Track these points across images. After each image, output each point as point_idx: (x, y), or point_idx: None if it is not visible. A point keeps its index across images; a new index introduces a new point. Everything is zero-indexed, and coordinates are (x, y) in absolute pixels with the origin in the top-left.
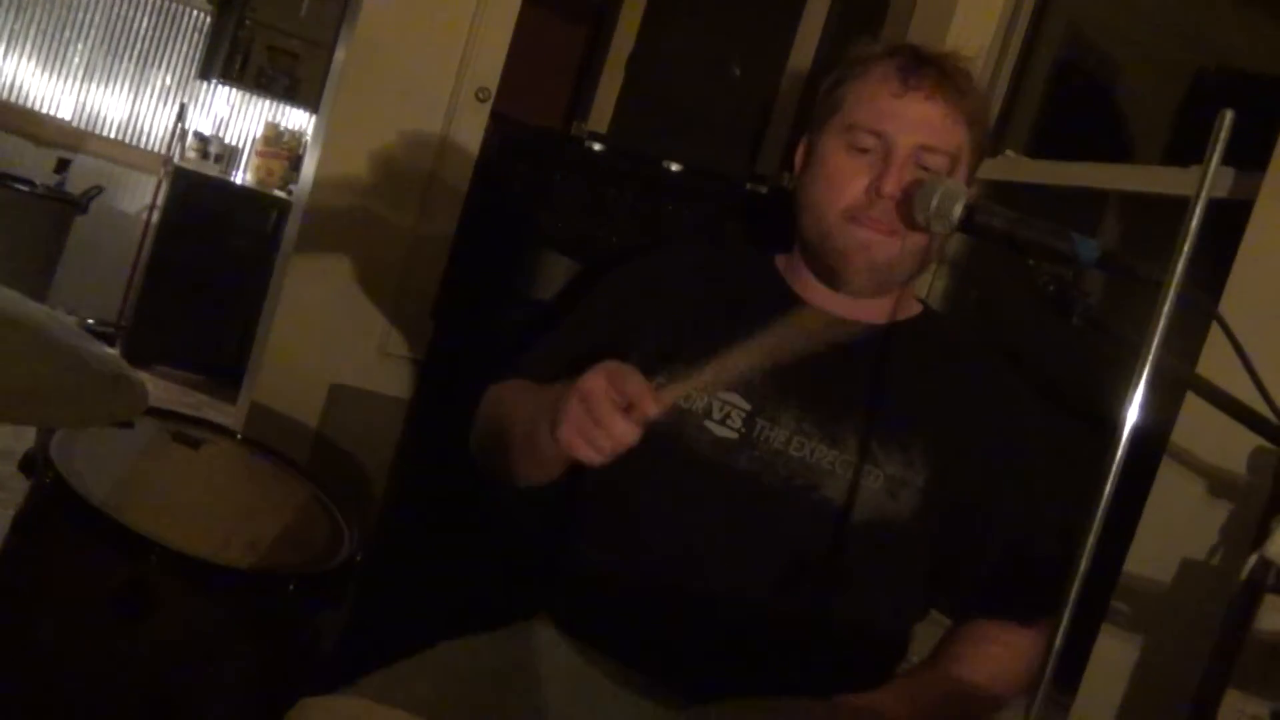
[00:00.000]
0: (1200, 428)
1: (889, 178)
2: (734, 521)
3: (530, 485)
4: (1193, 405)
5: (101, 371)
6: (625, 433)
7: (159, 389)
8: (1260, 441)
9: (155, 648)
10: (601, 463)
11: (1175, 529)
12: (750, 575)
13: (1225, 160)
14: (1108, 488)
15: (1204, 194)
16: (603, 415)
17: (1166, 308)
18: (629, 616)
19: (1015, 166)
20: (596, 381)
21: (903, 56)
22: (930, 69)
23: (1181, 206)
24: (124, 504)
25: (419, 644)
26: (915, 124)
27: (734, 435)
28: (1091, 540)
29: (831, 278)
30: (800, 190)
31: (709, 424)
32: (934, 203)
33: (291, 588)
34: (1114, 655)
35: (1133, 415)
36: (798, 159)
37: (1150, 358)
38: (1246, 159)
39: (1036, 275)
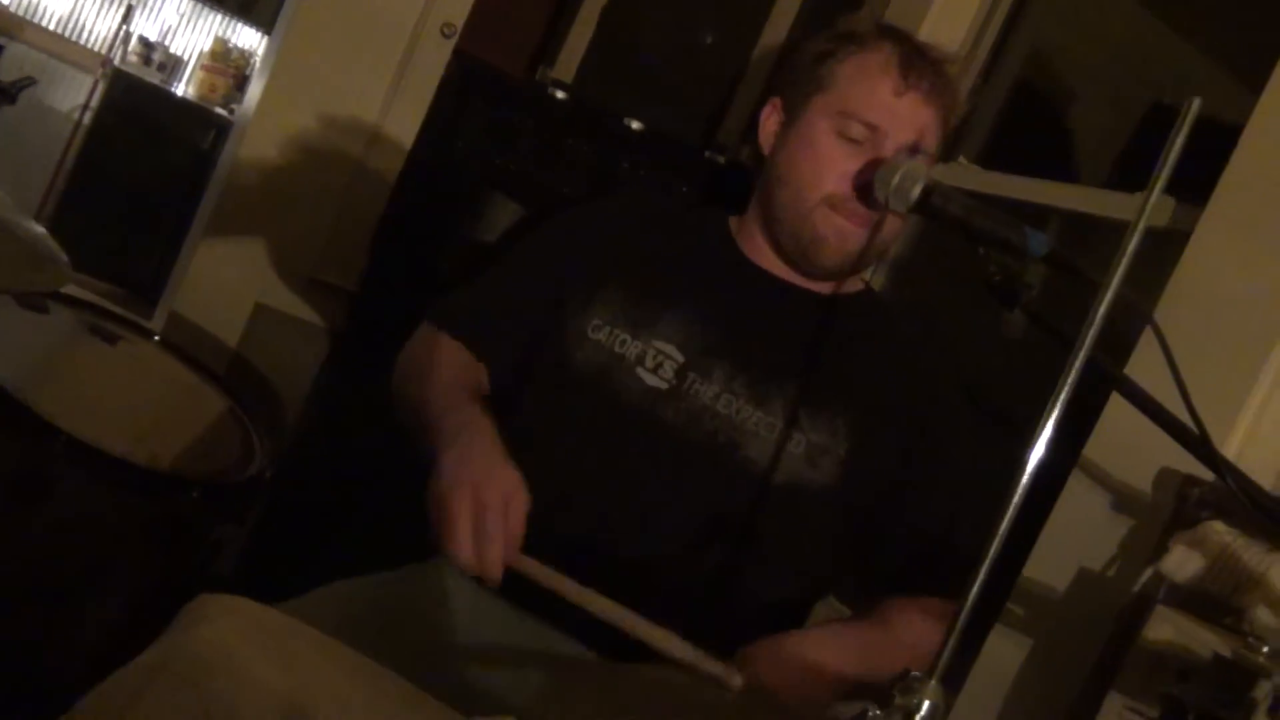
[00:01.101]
0: (1112, 445)
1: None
2: (654, 473)
3: None
4: (1107, 422)
5: (25, 240)
6: (466, 565)
7: None
8: (1166, 462)
9: (49, 536)
10: None
11: (1077, 539)
12: (664, 528)
13: (1168, 190)
14: (1022, 485)
15: (1167, 170)
16: (457, 532)
17: (1105, 303)
18: (537, 553)
19: (966, 174)
20: (462, 505)
21: (904, 47)
22: (929, 68)
23: (1117, 232)
24: (31, 390)
25: (319, 572)
26: (910, 124)
27: (664, 386)
28: (996, 544)
29: (799, 257)
30: (778, 162)
31: (641, 371)
32: (895, 181)
33: (196, 494)
34: (1002, 656)
35: (1057, 412)
36: (768, 122)
37: (1082, 354)
38: (1188, 193)
39: (985, 263)
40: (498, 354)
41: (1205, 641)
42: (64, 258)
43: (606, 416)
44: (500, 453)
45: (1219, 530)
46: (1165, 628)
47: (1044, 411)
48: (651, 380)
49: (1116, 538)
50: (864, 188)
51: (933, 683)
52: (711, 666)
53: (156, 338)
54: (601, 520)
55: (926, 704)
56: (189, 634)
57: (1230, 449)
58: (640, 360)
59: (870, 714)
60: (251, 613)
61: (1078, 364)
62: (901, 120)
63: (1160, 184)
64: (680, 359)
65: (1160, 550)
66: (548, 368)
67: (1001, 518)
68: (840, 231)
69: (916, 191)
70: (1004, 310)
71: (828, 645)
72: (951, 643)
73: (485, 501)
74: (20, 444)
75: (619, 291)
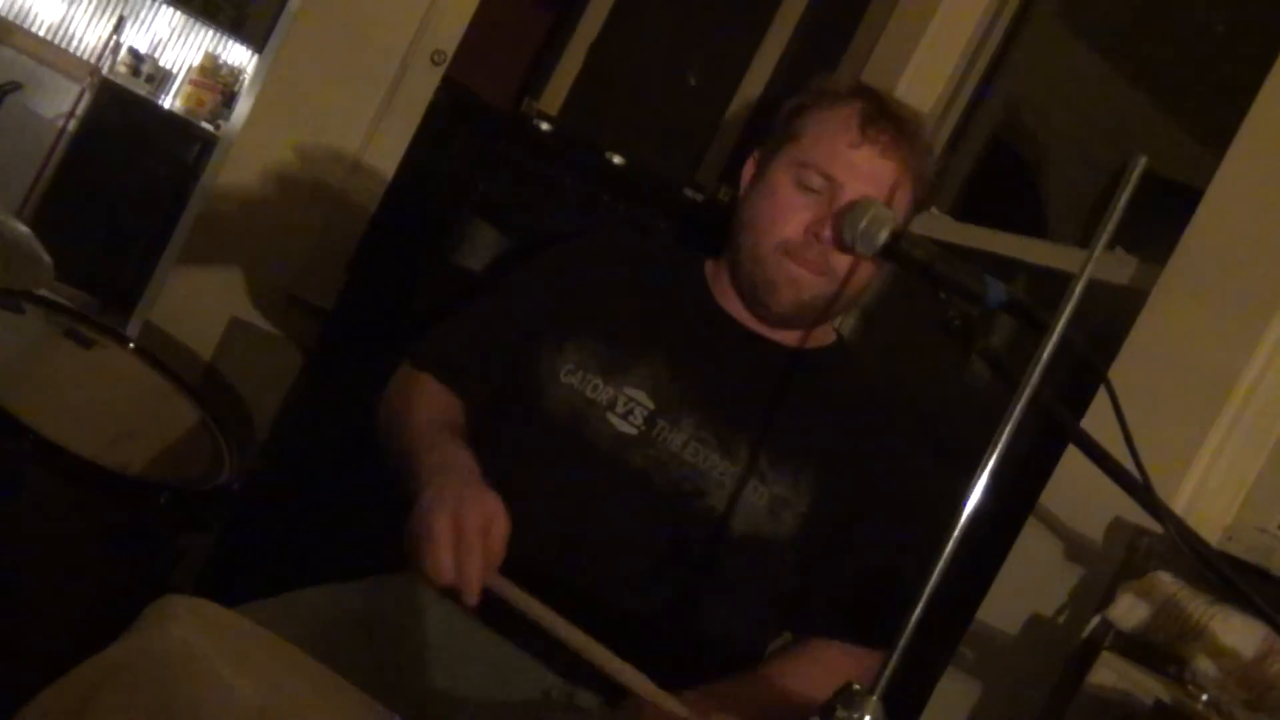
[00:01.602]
0: (1066, 495)
1: (829, 224)
2: (619, 515)
3: None
4: (1062, 473)
5: (9, 239)
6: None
7: None
8: (1118, 514)
9: (8, 535)
10: None
11: (1030, 586)
12: (626, 569)
13: (1130, 249)
14: (960, 525)
15: (1112, 225)
16: (438, 550)
17: (1048, 350)
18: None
19: (938, 225)
20: (442, 525)
21: (868, 104)
22: (889, 124)
23: (1090, 288)
24: (2, 390)
25: (281, 587)
26: (865, 176)
27: (634, 431)
28: (933, 579)
29: (754, 301)
30: (743, 207)
31: (611, 417)
32: (862, 224)
33: (163, 500)
34: (953, 698)
35: (997, 455)
36: (746, 172)
37: (1024, 398)
38: (1149, 252)
39: (945, 309)
40: (473, 392)
41: (1148, 688)
42: (47, 259)
43: (576, 460)
44: (480, 482)
45: (1165, 581)
46: (1110, 674)
47: (985, 453)
48: (621, 426)
49: (1068, 586)
50: (818, 236)
51: (873, 699)
52: (668, 703)
53: (131, 344)
54: (567, 562)
55: (867, 718)
56: (153, 632)
57: (1179, 504)
58: (611, 406)
59: None
60: (216, 615)
61: (1019, 406)
62: (857, 172)
63: (1105, 237)
64: (650, 406)
65: (1109, 599)
66: (520, 409)
67: (939, 555)
68: (792, 278)
69: (883, 235)
70: (963, 355)
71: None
72: (894, 659)
73: (465, 522)
74: None
75: (592, 336)
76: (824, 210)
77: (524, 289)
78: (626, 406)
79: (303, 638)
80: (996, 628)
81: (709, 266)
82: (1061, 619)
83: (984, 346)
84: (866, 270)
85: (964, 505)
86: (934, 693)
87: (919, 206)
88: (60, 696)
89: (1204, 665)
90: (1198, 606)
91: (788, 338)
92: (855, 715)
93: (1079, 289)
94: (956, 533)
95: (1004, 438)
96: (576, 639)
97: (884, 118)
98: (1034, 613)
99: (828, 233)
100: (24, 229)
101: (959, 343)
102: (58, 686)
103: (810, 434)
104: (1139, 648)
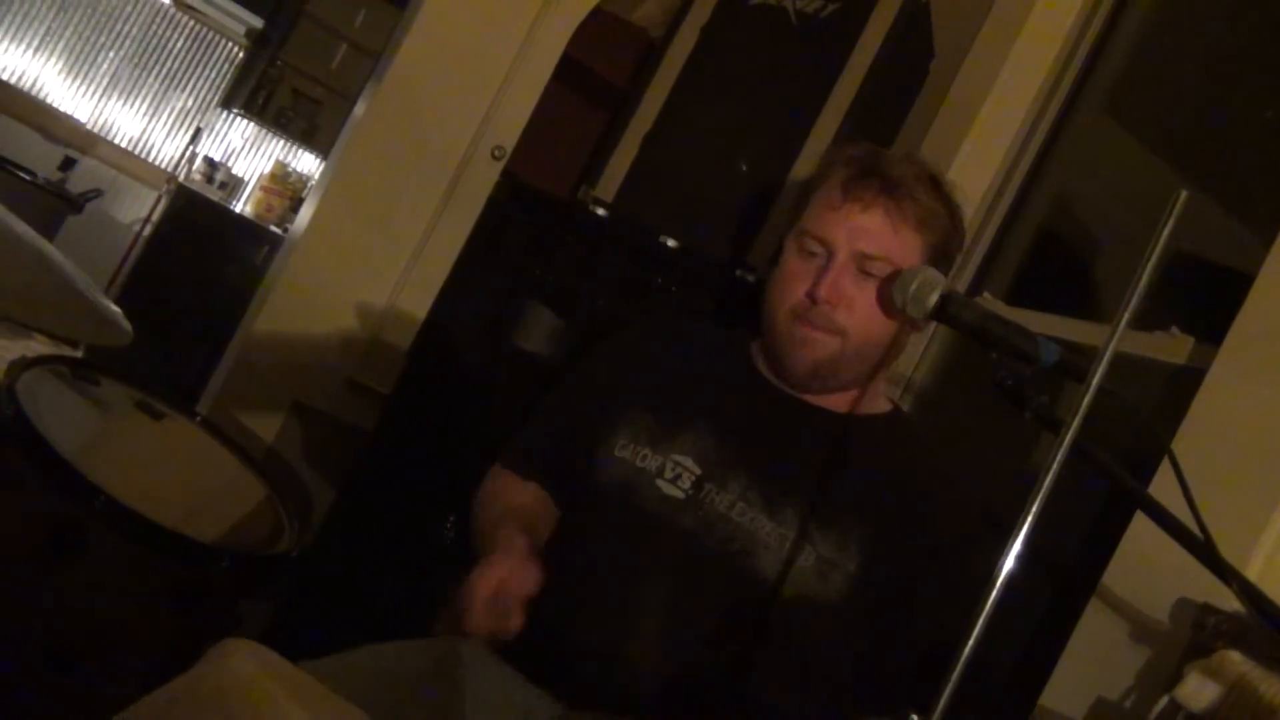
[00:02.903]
0: (1130, 575)
1: (822, 284)
2: (669, 578)
3: None
4: (1125, 553)
5: (97, 307)
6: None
7: None
8: (1183, 592)
9: (75, 594)
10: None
11: (1094, 668)
12: (678, 631)
13: (1186, 330)
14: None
15: (1155, 255)
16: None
17: (1083, 407)
18: (559, 653)
19: (992, 309)
20: (473, 602)
21: (854, 166)
22: (873, 180)
23: (1138, 368)
24: (76, 454)
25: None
26: (852, 233)
27: (681, 495)
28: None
29: (780, 367)
30: (765, 284)
31: (660, 482)
32: (912, 288)
33: (225, 563)
34: None
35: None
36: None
37: (1066, 442)
38: (1204, 334)
39: (998, 369)
40: (549, 480)
41: None
42: (128, 327)
43: (626, 525)
44: (521, 556)
45: (1235, 660)
46: None
47: (1023, 510)
48: (669, 490)
49: (1133, 667)
50: (814, 298)
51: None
52: None
53: (199, 417)
54: (617, 619)
55: None
56: (216, 665)
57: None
58: (660, 472)
59: None
60: (271, 657)
61: (1061, 452)
62: (844, 231)
63: (1148, 271)
64: (698, 471)
65: (1176, 679)
66: (579, 486)
67: (979, 609)
68: (802, 339)
69: (933, 299)
70: (1017, 413)
71: None
72: (948, 690)
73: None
74: (60, 501)
75: (643, 413)
76: (821, 273)
77: (582, 382)
78: (674, 472)
79: (359, 689)
80: (1061, 712)
81: (754, 343)
82: (1128, 702)
83: (1037, 406)
84: (892, 330)
85: (1006, 552)
86: None
87: (943, 253)
88: None
89: None
90: (1271, 686)
91: (835, 403)
92: None
93: (1123, 322)
94: (997, 588)
95: (1047, 482)
96: None
97: (868, 175)
98: (1099, 696)
99: (823, 292)
100: (114, 306)
101: (1012, 402)
102: (127, 714)
103: (860, 497)
104: None
